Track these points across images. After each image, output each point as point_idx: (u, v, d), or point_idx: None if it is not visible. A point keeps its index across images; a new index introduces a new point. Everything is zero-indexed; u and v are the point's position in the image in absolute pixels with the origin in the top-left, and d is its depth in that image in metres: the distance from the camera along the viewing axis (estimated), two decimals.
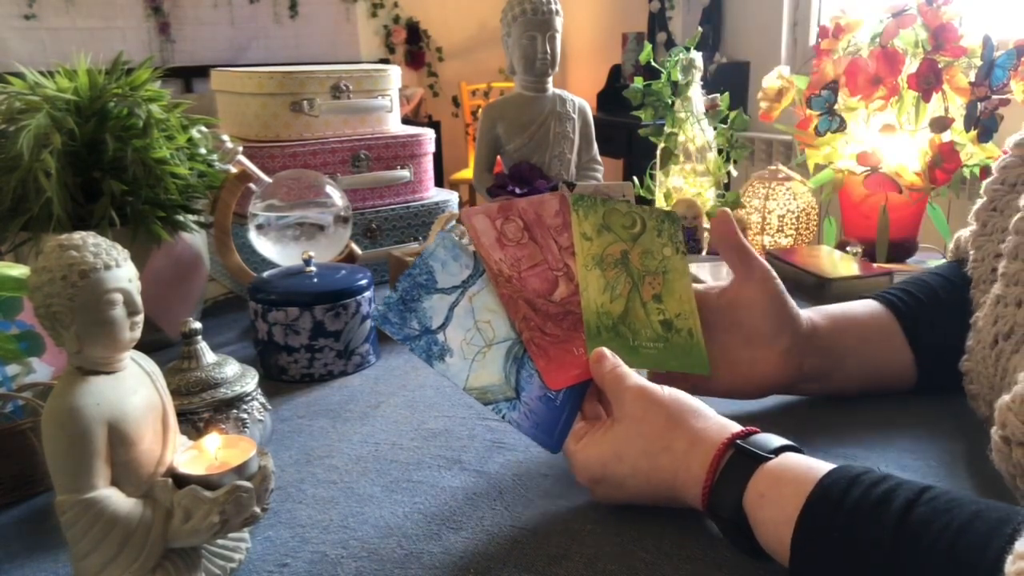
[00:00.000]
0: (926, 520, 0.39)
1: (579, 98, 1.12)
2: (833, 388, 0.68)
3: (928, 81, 1.15)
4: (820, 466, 0.45)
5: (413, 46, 4.98)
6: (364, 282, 0.80)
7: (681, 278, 0.63)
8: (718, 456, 0.48)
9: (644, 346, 0.60)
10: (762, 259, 0.63)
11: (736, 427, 0.50)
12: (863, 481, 0.42)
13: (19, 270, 0.65)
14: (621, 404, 0.53)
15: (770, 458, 0.46)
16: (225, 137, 0.93)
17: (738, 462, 0.47)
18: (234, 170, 0.92)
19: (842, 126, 1.23)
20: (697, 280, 0.77)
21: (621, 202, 0.65)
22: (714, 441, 0.49)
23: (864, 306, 0.69)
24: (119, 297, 0.43)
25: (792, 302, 0.64)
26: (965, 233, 0.70)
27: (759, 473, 0.46)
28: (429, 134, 1.21)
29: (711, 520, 0.49)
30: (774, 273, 0.63)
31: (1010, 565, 0.34)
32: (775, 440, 0.48)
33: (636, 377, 0.54)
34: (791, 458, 0.46)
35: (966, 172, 1.21)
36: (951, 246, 0.73)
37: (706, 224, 1.35)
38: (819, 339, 0.65)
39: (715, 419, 0.51)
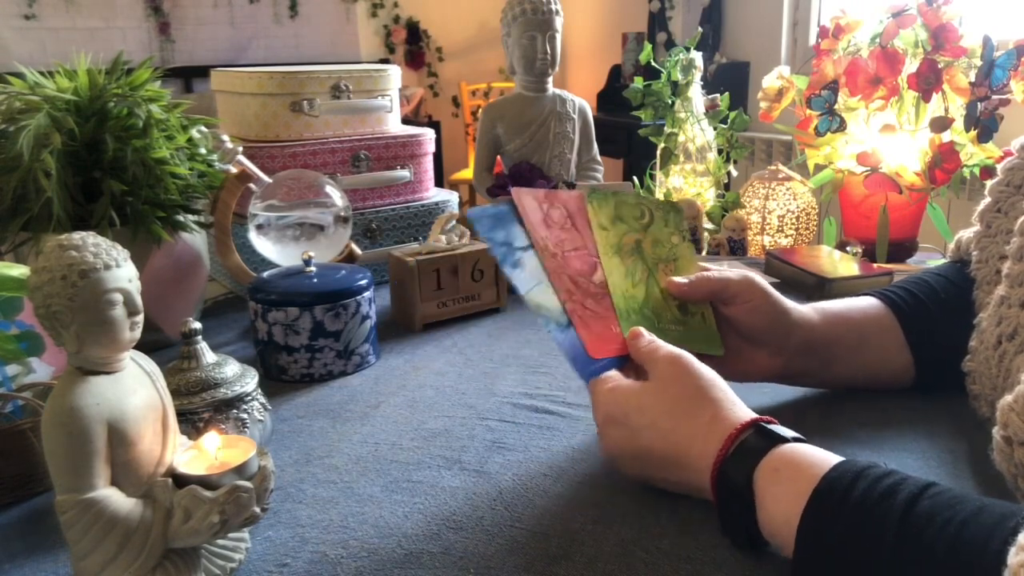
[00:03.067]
0: (930, 514, 0.39)
1: (579, 98, 1.11)
2: (823, 383, 0.70)
3: (928, 81, 1.15)
4: (831, 458, 0.46)
5: (413, 46, 4.99)
6: (364, 282, 0.80)
7: (690, 264, 0.66)
8: (737, 432, 0.49)
9: (668, 328, 0.62)
10: (745, 276, 0.63)
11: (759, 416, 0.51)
12: (868, 475, 0.43)
13: (19, 270, 0.65)
14: (655, 368, 0.55)
15: (788, 441, 0.48)
16: (225, 137, 0.93)
17: (756, 440, 0.49)
18: (234, 170, 0.92)
19: (842, 126, 1.23)
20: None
21: (629, 194, 0.68)
22: (736, 420, 0.50)
23: (864, 304, 0.70)
24: (119, 297, 0.43)
25: (788, 308, 0.65)
26: (967, 234, 0.70)
27: (774, 452, 0.47)
28: (429, 134, 1.21)
29: (712, 496, 0.49)
30: (764, 288, 0.63)
31: (1012, 556, 0.34)
32: (792, 433, 0.50)
33: (672, 347, 0.56)
34: (806, 447, 0.48)
35: (966, 172, 1.21)
36: (952, 246, 0.73)
37: (706, 224, 1.35)
38: (813, 340, 0.66)
39: (741, 404, 0.53)
